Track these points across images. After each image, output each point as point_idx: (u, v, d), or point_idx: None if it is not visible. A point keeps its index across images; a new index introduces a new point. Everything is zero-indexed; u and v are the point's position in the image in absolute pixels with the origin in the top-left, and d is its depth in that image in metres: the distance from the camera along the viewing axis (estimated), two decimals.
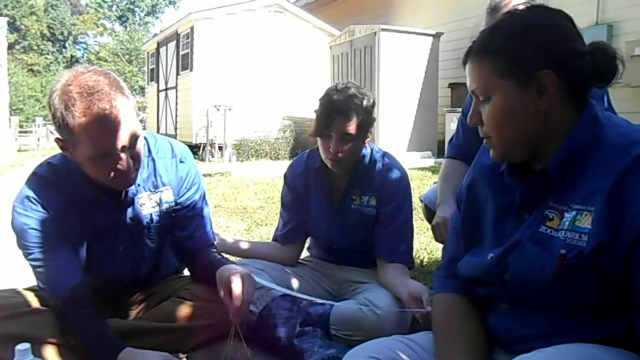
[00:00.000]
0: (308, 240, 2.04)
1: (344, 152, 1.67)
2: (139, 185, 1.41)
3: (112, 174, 1.24)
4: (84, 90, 1.16)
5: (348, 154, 1.68)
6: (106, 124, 1.17)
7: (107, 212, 1.39)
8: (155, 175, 1.45)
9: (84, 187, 1.34)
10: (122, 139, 1.20)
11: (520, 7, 0.99)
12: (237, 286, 1.26)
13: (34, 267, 1.32)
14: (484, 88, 0.93)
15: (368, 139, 1.74)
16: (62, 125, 1.18)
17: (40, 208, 1.30)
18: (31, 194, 1.30)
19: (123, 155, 1.22)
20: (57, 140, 1.26)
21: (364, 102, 1.67)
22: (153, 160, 1.45)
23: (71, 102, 1.15)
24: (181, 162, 1.50)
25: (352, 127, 1.64)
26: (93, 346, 1.25)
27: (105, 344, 1.24)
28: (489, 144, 0.97)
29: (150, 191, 1.45)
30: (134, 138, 1.24)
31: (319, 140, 1.71)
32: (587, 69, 0.88)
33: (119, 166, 1.23)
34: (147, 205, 1.44)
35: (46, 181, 1.33)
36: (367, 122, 1.69)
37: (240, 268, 1.36)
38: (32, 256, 1.30)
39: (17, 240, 1.32)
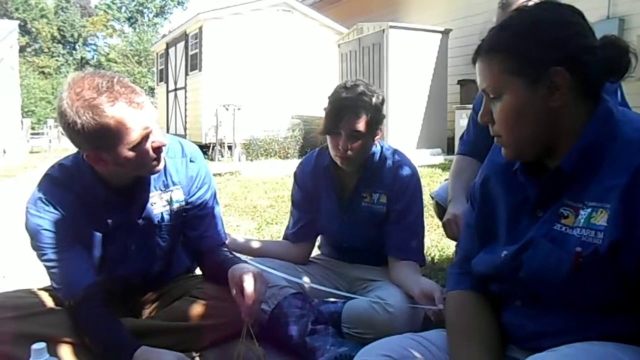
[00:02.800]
0: (319, 239, 2.04)
1: (354, 150, 1.66)
2: (149, 184, 1.42)
3: (155, 153, 1.28)
4: (96, 89, 1.17)
5: (357, 151, 1.67)
6: (132, 102, 1.20)
7: (119, 211, 1.40)
8: (165, 175, 1.46)
9: (96, 188, 1.35)
10: (150, 110, 1.24)
11: (531, 2, 0.98)
12: (249, 285, 1.27)
13: (47, 267, 1.33)
14: (494, 86, 0.92)
15: (377, 136, 1.73)
16: (95, 131, 1.18)
17: (52, 209, 1.31)
18: (44, 195, 1.31)
19: (154, 129, 1.26)
20: (87, 155, 1.26)
21: (373, 100, 1.67)
22: (163, 159, 1.46)
23: (94, 104, 1.16)
24: (191, 161, 1.51)
25: (361, 125, 1.64)
26: (108, 345, 1.26)
27: (120, 343, 1.25)
28: (500, 143, 0.96)
29: (161, 190, 1.45)
30: (152, 108, 1.28)
31: (328, 138, 1.71)
32: (598, 64, 0.87)
33: (155, 141, 1.26)
34: (158, 204, 1.45)
35: (58, 182, 1.34)
36: (376, 119, 1.68)
37: (252, 267, 1.37)
38: (45, 257, 1.32)
39: (31, 241, 1.33)
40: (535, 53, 0.88)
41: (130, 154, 1.23)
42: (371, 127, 1.66)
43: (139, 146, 1.23)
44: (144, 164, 1.29)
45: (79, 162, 1.35)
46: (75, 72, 1.26)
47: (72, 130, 1.19)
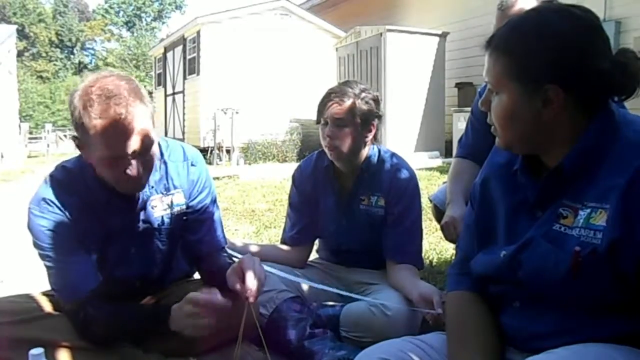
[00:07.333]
0: (317, 243, 2.04)
1: (340, 139, 1.68)
2: (152, 187, 1.42)
3: (121, 178, 1.25)
4: (103, 93, 1.18)
5: (343, 142, 1.68)
6: (119, 128, 1.18)
7: (120, 214, 1.40)
8: (167, 178, 1.46)
9: (98, 190, 1.35)
10: (133, 145, 1.21)
11: (530, 4, 0.97)
12: (249, 270, 1.27)
13: (48, 268, 1.33)
14: (494, 84, 0.93)
15: (370, 133, 1.73)
16: (78, 125, 1.21)
17: (56, 210, 1.31)
18: (47, 196, 1.32)
19: (133, 161, 1.23)
20: (73, 138, 1.29)
21: (359, 91, 1.70)
22: (165, 163, 1.46)
23: (89, 103, 1.18)
24: (192, 165, 1.51)
25: (344, 111, 1.67)
26: (142, 315, 1.31)
27: (150, 309, 1.31)
28: (495, 132, 0.98)
29: (162, 194, 1.45)
30: (146, 145, 1.24)
31: (320, 131, 1.74)
32: (602, 86, 0.86)
33: (128, 171, 1.24)
34: (159, 207, 1.45)
35: (61, 184, 1.34)
36: (363, 111, 1.69)
37: (250, 256, 1.37)
38: (47, 258, 1.32)
39: (33, 241, 1.33)
40: (536, 64, 0.87)
41: (96, 162, 1.26)
42: (356, 116, 1.68)
43: (103, 162, 1.24)
44: (108, 179, 1.29)
45: (81, 164, 1.35)
46: (108, 70, 1.30)
47: (69, 105, 1.23)
